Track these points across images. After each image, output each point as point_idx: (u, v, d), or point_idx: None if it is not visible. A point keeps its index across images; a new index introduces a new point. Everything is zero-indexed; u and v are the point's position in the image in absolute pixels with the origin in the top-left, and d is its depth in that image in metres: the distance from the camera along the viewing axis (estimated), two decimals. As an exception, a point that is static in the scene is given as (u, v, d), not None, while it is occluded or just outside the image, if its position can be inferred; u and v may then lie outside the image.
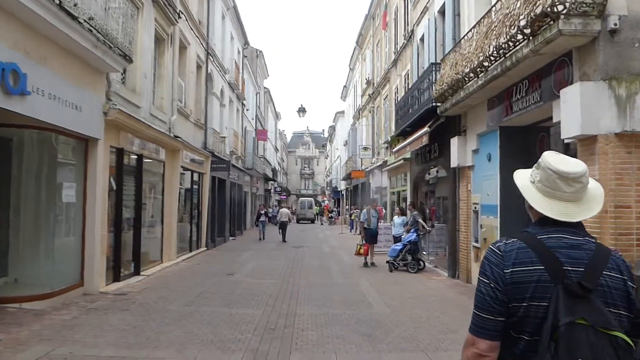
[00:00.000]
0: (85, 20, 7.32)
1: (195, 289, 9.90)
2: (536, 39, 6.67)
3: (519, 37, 7.11)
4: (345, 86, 42.53)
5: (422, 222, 13.33)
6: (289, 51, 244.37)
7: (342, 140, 45.47)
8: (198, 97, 17.78)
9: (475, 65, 8.89)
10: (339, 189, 49.95)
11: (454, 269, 11.64)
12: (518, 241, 1.64)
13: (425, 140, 12.06)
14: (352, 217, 31.10)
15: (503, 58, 7.81)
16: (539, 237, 1.63)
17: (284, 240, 23.35)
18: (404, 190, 18.50)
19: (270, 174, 42.69)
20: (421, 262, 12.87)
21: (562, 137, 6.59)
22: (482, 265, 1.68)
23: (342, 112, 48.14)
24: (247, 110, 30.54)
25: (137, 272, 11.19)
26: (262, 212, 24.81)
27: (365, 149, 26.63)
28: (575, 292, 1.48)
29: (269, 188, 48.33)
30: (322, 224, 41.42)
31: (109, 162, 9.61)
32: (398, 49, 19.70)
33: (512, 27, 7.20)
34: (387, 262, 13.05)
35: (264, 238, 23.65)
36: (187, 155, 15.58)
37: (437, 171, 14.04)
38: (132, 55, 9.35)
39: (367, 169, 27.45)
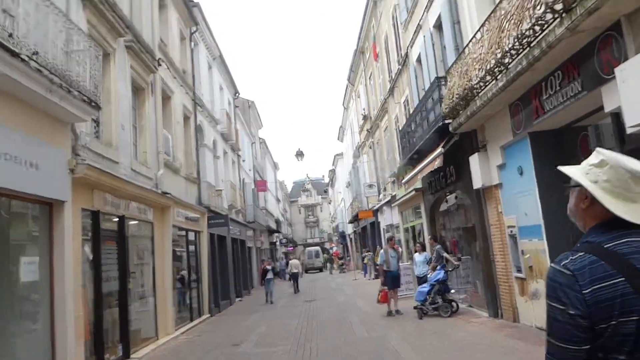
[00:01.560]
0: (29, 57, 6.11)
1: (194, 367, 8.29)
2: (572, 13, 5.44)
3: (548, 16, 5.89)
4: (341, 126, 41.70)
5: (447, 256, 11.77)
6: (281, 100, 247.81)
7: (344, 182, 44.23)
8: (188, 149, 16.60)
9: (492, 66, 7.66)
10: (346, 233, 48.26)
11: (495, 307, 10.00)
12: (586, 255, 1.45)
13: (439, 162, 10.71)
14: (365, 261, 29.38)
15: (528, 48, 6.57)
16: (606, 246, 1.45)
17: (297, 291, 23.37)
18: (418, 224, 16.99)
19: (273, 226, 41.17)
20: (454, 304, 11.23)
21: (626, 125, 5.22)
22: (552, 290, 1.45)
23: (341, 154, 47.15)
24: (244, 161, 29.44)
25: (126, 355, 9.59)
26: (269, 267, 20.83)
27: (370, 186, 25.27)
28: None
29: (274, 241, 46.65)
30: (331, 272, 39.31)
31: (81, 228, 8.21)
32: (393, 76, 18.71)
33: (538, 6, 5.98)
34: (415, 307, 11.40)
35: (272, 302, 19.19)
36: (180, 212, 14.21)
37: (457, 197, 12.61)
38: (100, 102, 8.13)
39: (374, 208, 26.01)
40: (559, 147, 7.86)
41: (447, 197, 13.44)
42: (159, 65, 13.29)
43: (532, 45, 6.48)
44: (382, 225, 24.62)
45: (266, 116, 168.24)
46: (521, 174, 8.43)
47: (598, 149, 1.58)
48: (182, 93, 15.97)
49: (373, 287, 20.97)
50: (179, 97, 15.53)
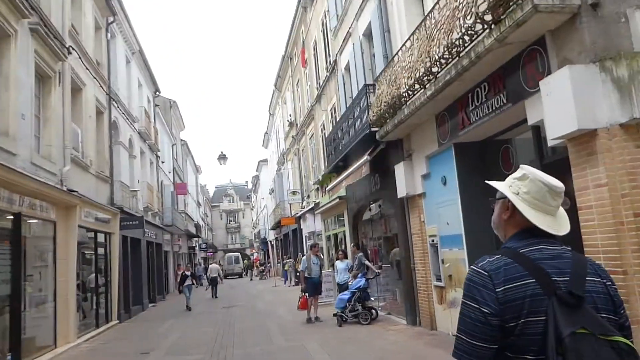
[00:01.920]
0: None
1: (94, 382, 7.53)
2: (502, 25, 5.50)
3: (478, 27, 5.93)
4: (266, 132, 41.22)
5: (369, 264, 11.74)
6: (205, 103, 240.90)
7: (267, 189, 43.70)
8: (100, 146, 15.47)
9: (421, 74, 7.67)
10: (267, 240, 47.70)
11: (414, 315, 10.05)
12: (503, 257, 1.56)
13: (365, 170, 10.67)
14: (286, 268, 29.05)
15: (458, 58, 6.61)
16: (521, 251, 1.56)
17: (215, 297, 22.96)
18: (340, 232, 16.96)
19: (193, 230, 39.73)
20: (373, 311, 11.19)
21: (549, 138, 5.33)
22: (468, 289, 1.55)
23: (265, 160, 46.60)
24: (163, 162, 28.14)
25: (16, 366, 8.57)
26: (187, 273, 19.40)
27: (294, 193, 25.06)
28: (569, 302, 1.44)
29: (194, 245, 45.10)
30: (252, 279, 38.58)
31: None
32: (321, 83, 18.65)
33: (469, 17, 6.02)
34: (335, 315, 11.24)
35: (190, 309, 18.05)
36: (89, 212, 13.15)
37: (380, 206, 12.65)
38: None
39: (297, 215, 25.79)
40: (481, 158, 8.02)
41: (371, 206, 13.46)
42: (69, 53, 12.23)
43: (461, 55, 6.52)
44: (305, 233, 24.45)
45: (189, 118, 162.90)
46: (444, 183, 8.53)
47: (522, 165, 1.71)
48: (95, 86, 14.87)
49: (294, 294, 20.65)
50: (91, 89, 14.44)
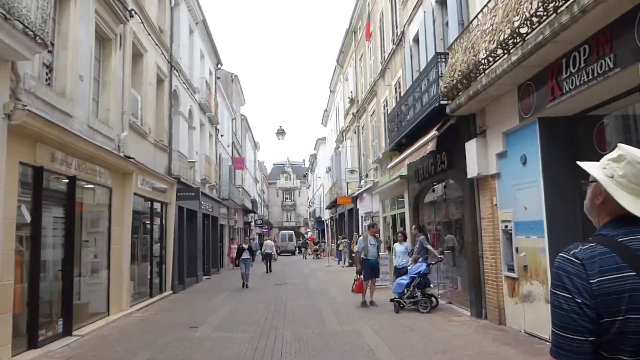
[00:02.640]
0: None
1: (139, 354, 7.28)
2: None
3: (587, -28, 4.94)
4: (326, 110, 40.57)
5: (431, 248, 10.92)
6: (265, 78, 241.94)
7: (324, 167, 43.23)
8: (160, 115, 15.38)
9: (506, 37, 6.71)
10: (323, 219, 47.46)
11: (479, 307, 9.20)
12: (597, 245, 1.41)
13: (432, 146, 9.79)
14: (340, 248, 28.59)
15: (555, 15, 5.63)
16: (619, 240, 1.40)
17: (269, 271, 23.95)
18: (400, 214, 16.14)
19: (249, 206, 40.05)
20: (433, 299, 10.41)
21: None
22: (558, 278, 1.41)
23: (324, 139, 46.05)
24: (222, 136, 28.18)
25: (68, 331, 8.52)
26: (245, 246, 17.93)
27: (352, 171, 24.36)
28: None
29: (249, 221, 45.62)
30: (305, 257, 38.35)
31: (17, 185, 7.06)
32: (386, 57, 17.69)
33: (575, -40, 5.03)
34: (392, 300, 10.56)
35: (247, 285, 16.88)
36: (145, 180, 13.06)
37: (445, 187, 11.74)
38: (48, 39, 6.93)
39: (354, 194, 25.12)
40: (571, 135, 7.01)
41: (434, 187, 12.56)
42: (131, 16, 12.01)
43: (559, 11, 5.54)
44: (361, 213, 23.78)
45: (249, 93, 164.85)
46: (524, 163, 7.56)
47: (620, 144, 1.53)
48: (156, 53, 14.70)
49: (347, 275, 20.15)
50: (152, 56, 14.28)
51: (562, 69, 6.30)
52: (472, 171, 8.97)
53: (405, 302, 10.35)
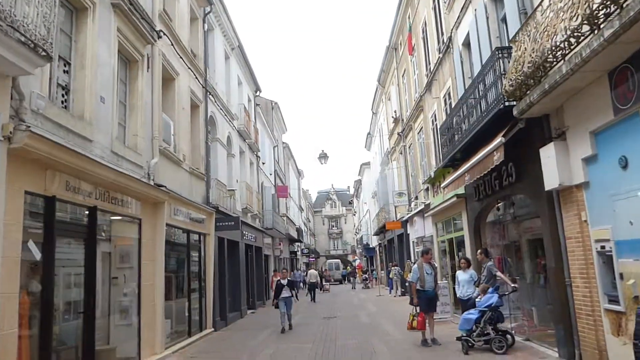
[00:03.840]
0: None
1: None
2: None
3: None
4: (369, 133, 39.41)
5: (503, 276, 9.36)
6: (306, 105, 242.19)
7: (370, 192, 41.82)
8: (195, 141, 14.63)
9: (594, 8, 5.36)
10: (371, 246, 45.78)
11: (571, 347, 7.55)
12: None
13: (499, 156, 8.36)
14: (391, 276, 26.90)
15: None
16: None
17: (313, 301, 24.39)
18: (458, 237, 14.57)
19: (294, 235, 38.99)
20: (509, 336, 8.80)
21: None
22: None
23: (368, 164, 44.82)
24: (263, 164, 27.46)
25: (88, 382, 7.49)
26: (283, 281, 14.39)
27: (400, 194, 22.91)
28: None
29: (295, 250, 44.47)
30: (354, 287, 36.50)
31: (22, 216, 6.18)
32: (432, 68, 16.44)
33: None
34: (459, 338, 9.03)
35: (291, 326, 14.17)
36: (179, 210, 12.18)
37: (513, 203, 10.22)
38: (52, 52, 6.11)
39: (403, 218, 23.60)
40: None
41: (499, 205, 11.03)
42: (159, 37, 11.34)
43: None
44: (412, 238, 22.19)
45: (291, 121, 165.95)
46: (624, 167, 6.06)
47: None
48: (190, 77, 14.04)
49: (400, 306, 18.56)
50: (185, 80, 13.60)
51: (677, 40, 4.89)
52: (551, 182, 7.49)
53: (474, 340, 8.80)
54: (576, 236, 7.24)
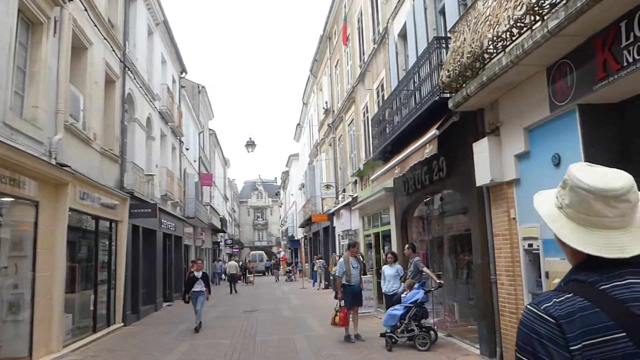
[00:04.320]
0: None
1: None
2: None
3: None
4: (298, 124, 38.89)
5: (429, 272, 9.21)
6: (235, 93, 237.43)
7: (297, 184, 41.43)
8: (109, 120, 13.39)
9: (540, -2, 5.13)
10: (296, 238, 45.49)
11: (492, 343, 7.48)
12: (576, 297, 1.11)
13: (431, 149, 8.12)
14: (315, 269, 26.68)
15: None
16: (601, 288, 1.11)
17: (234, 292, 24.60)
18: (384, 231, 14.45)
19: (218, 225, 37.80)
20: (432, 333, 8.66)
21: None
22: (526, 340, 1.11)
23: (296, 155, 44.36)
24: (187, 149, 26.20)
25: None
26: (197, 274, 12.58)
27: (328, 186, 22.63)
28: None
29: (218, 241, 43.22)
30: (277, 279, 36.06)
31: None
32: (366, 59, 16.18)
33: None
34: (384, 335, 8.76)
35: (199, 327, 12.18)
36: (87, 194, 11.03)
37: (442, 198, 10.12)
38: None
39: (330, 211, 23.38)
40: (620, 128, 5.44)
41: (427, 199, 10.93)
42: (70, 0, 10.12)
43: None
44: (338, 231, 22.01)
45: (219, 109, 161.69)
46: (557, 164, 5.95)
47: (572, 164, 1.28)
48: (105, 49, 12.79)
49: (323, 299, 18.30)
50: (99, 51, 12.36)
51: (619, 34, 4.74)
52: (482, 178, 7.34)
53: (398, 336, 8.57)
54: (504, 233, 7.14)
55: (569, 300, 1.12)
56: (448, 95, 7.88)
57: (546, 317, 1.10)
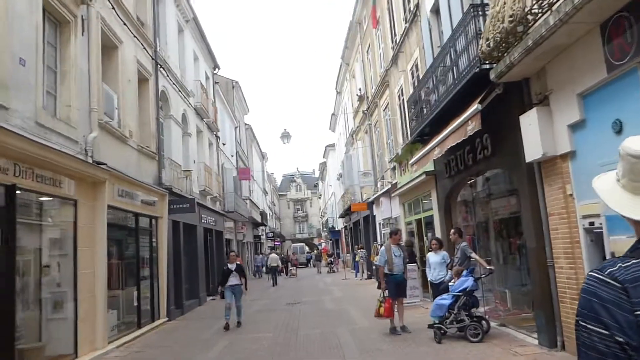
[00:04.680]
0: None
1: None
2: None
3: None
4: (333, 114, 38.49)
5: (478, 257, 8.69)
6: (270, 90, 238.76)
7: (335, 175, 41.09)
8: (145, 117, 13.40)
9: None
10: (336, 229, 45.25)
11: (552, 333, 6.94)
12: None
13: (474, 125, 7.60)
14: (357, 259, 26.34)
15: None
16: None
17: (274, 284, 24.72)
18: (426, 217, 13.93)
19: (258, 218, 37.96)
20: (484, 322, 8.16)
21: None
22: (589, 306, 1.08)
23: (333, 145, 43.95)
24: (224, 144, 26.23)
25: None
26: (231, 266, 11.97)
27: (365, 174, 22.20)
28: None
29: (260, 234, 43.48)
30: (319, 271, 35.72)
31: None
32: (397, 40, 15.61)
33: None
34: (432, 326, 8.32)
35: (239, 324, 11.64)
36: (125, 191, 11.03)
37: (487, 179, 9.56)
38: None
39: (369, 199, 22.94)
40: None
41: (471, 181, 10.37)
42: (96, -3, 10.05)
43: None
44: (378, 219, 21.56)
45: (254, 104, 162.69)
46: (619, 131, 5.36)
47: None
48: (135, 46, 12.75)
49: (366, 290, 17.94)
50: (130, 49, 12.33)
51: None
52: (532, 153, 6.78)
53: (447, 327, 8.12)
54: (560, 212, 6.57)
55: (636, 265, 1.09)
56: (489, 66, 7.34)
57: (611, 281, 1.07)
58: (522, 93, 7.20)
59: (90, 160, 9.19)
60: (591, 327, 1.07)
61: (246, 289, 12.17)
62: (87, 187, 9.18)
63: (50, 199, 8.27)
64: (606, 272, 1.10)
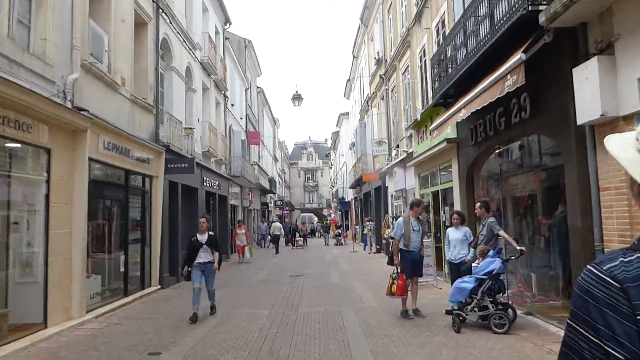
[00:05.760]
0: None
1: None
2: None
3: None
4: (348, 80, 36.92)
5: (507, 236, 7.52)
6: (284, 53, 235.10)
7: (347, 144, 39.78)
8: (142, 65, 12.25)
9: None
10: (346, 200, 44.21)
11: (594, 329, 5.84)
12: None
13: (515, 80, 6.31)
14: (365, 232, 25.34)
15: None
16: None
17: (277, 252, 24.81)
18: (444, 190, 12.75)
19: (267, 185, 36.99)
20: (510, 311, 7.06)
21: None
22: (582, 304, 0.89)
23: (347, 114, 42.50)
24: (233, 105, 25.04)
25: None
26: (200, 237, 9.04)
27: (379, 143, 20.93)
28: None
29: (267, 202, 42.61)
30: (327, 242, 34.76)
31: None
32: (423, -6, 14.13)
33: None
34: (450, 312, 7.25)
35: (213, 311, 9.06)
36: (112, 144, 9.97)
37: (521, 146, 8.32)
38: None
39: (382, 169, 21.75)
40: None
41: (499, 149, 9.14)
42: None
43: None
44: (391, 191, 20.40)
45: (267, 67, 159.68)
46: None
47: None
48: (133, -17, 11.49)
49: (374, 265, 16.96)
50: (126, -14, 11.08)
51: None
52: (588, 113, 5.54)
53: (468, 315, 7.05)
54: (618, 186, 5.37)
55: (639, 260, 0.87)
56: (539, 8, 6.03)
57: (608, 279, 0.87)
58: (577, 42, 5.91)
59: (69, 105, 8.10)
60: (581, 329, 0.87)
61: (219, 268, 9.20)
62: (64, 135, 8.12)
63: (18, 145, 7.23)
64: (604, 268, 0.89)
